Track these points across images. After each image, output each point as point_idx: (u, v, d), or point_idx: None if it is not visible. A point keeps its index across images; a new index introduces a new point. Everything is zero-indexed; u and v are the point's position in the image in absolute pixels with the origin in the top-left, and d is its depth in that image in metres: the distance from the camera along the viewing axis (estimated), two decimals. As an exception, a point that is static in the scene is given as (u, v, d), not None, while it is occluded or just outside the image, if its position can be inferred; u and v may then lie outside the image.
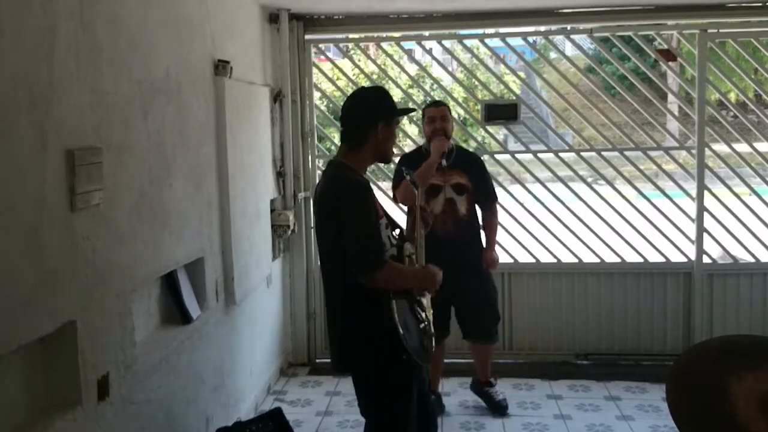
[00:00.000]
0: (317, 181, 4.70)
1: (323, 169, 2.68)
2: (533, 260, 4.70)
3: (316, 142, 4.74)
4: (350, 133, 2.46)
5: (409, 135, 5.29)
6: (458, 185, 3.76)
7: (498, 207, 4.00)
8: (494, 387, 4.00)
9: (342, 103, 2.59)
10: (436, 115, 3.78)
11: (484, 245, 3.91)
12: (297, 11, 4.42)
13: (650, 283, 4.61)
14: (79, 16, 2.12)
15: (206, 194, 3.19)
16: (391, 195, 3.88)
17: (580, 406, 4.00)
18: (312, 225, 4.69)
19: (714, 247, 4.68)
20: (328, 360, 4.65)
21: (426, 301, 2.56)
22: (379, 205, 2.50)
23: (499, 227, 4.00)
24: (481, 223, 3.92)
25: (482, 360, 4.00)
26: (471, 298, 3.84)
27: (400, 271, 2.46)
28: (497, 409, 3.91)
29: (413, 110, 3.05)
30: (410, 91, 8.00)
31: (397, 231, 2.57)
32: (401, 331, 2.31)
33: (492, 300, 3.93)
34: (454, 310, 3.89)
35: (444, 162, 3.69)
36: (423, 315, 2.50)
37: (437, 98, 4.49)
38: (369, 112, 2.45)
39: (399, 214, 4.04)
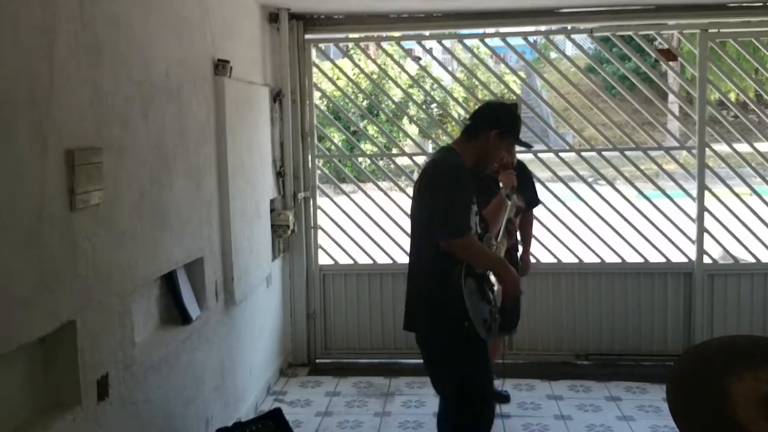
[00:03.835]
0: (317, 181, 4.73)
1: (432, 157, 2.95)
2: (533, 260, 4.68)
3: (316, 142, 4.74)
4: (470, 127, 2.77)
5: (409, 135, 5.27)
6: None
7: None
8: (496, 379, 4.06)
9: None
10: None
11: (521, 246, 3.98)
12: (297, 11, 4.42)
13: (651, 283, 4.60)
14: (79, 16, 2.12)
15: (206, 194, 3.19)
16: None
17: (581, 406, 4.00)
18: (312, 225, 4.71)
19: (714, 247, 4.67)
20: (328, 360, 4.72)
21: (497, 287, 2.66)
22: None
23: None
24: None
25: (492, 351, 4.01)
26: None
27: (480, 246, 2.61)
28: (500, 398, 3.92)
29: (529, 145, 3.04)
30: (410, 90, 7.99)
31: (483, 224, 2.73)
32: (466, 297, 2.45)
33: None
34: None
35: (512, 197, 3.17)
36: (491, 296, 2.63)
37: (437, 98, 4.47)
38: (492, 118, 2.75)
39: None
